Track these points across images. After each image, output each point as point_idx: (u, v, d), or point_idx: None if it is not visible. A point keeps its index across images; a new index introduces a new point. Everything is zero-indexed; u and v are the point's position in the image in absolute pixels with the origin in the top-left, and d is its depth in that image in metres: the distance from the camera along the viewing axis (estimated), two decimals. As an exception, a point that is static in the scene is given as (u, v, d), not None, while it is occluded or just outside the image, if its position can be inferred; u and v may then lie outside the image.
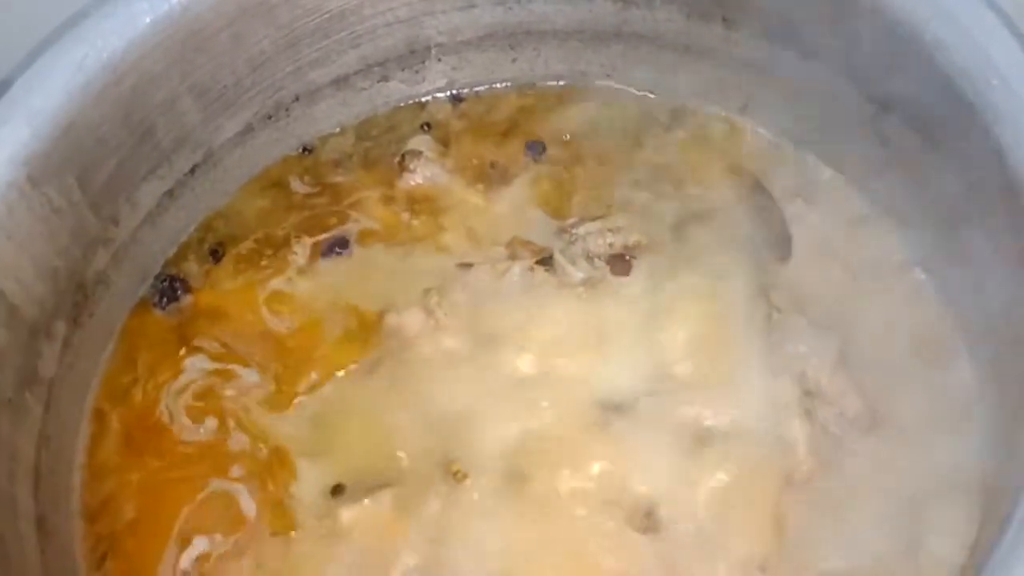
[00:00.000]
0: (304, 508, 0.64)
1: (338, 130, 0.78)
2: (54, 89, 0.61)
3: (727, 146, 0.76)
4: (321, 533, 0.63)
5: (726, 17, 0.71)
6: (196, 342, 0.70)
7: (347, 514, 0.63)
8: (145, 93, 0.65)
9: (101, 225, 0.67)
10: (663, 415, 0.64)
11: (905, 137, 0.66)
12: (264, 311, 0.71)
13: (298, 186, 0.76)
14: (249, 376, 0.68)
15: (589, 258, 0.69)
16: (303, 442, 0.66)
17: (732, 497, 0.61)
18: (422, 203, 0.74)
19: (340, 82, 0.76)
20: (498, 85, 0.79)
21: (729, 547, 0.61)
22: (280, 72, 0.72)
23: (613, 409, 0.64)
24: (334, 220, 0.74)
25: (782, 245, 0.70)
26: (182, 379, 0.69)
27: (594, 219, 0.71)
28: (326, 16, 0.71)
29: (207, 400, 0.68)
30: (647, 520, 0.61)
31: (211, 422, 0.67)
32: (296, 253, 0.72)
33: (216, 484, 0.65)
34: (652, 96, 0.78)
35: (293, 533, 0.63)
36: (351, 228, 0.73)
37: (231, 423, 0.67)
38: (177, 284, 0.72)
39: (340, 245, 0.73)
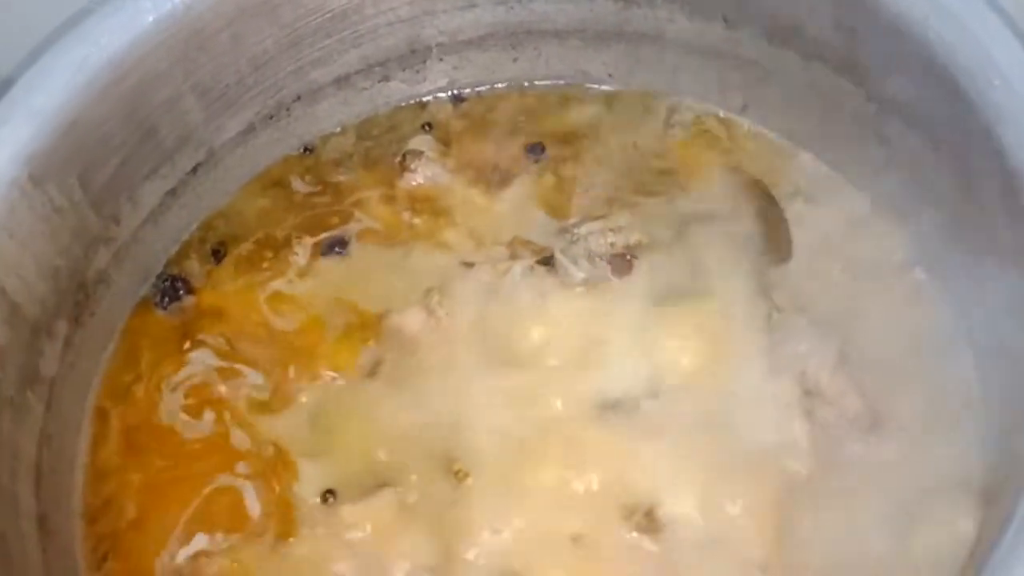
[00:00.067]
0: (306, 508, 0.63)
1: (339, 130, 0.78)
2: (56, 88, 0.61)
3: (728, 146, 0.76)
4: (322, 533, 0.63)
5: (727, 17, 0.71)
6: (197, 342, 0.70)
7: (348, 513, 0.63)
8: (147, 92, 0.65)
9: (103, 224, 0.67)
10: (664, 415, 0.64)
11: (906, 137, 0.66)
12: (265, 311, 0.71)
13: (299, 186, 0.76)
14: (250, 375, 0.68)
15: (590, 258, 0.69)
16: (304, 442, 0.66)
17: (732, 497, 0.61)
18: (423, 203, 0.74)
19: (341, 81, 0.76)
20: (499, 85, 0.79)
21: (729, 547, 0.61)
22: (282, 71, 0.72)
23: (614, 409, 0.64)
24: (335, 220, 0.74)
25: (783, 245, 0.70)
26: (183, 378, 0.69)
27: (595, 219, 0.71)
28: (328, 15, 0.71)
29: (208, 399, 0.68)
30: (647, 520, 0.61)
31: (212, 421, 0.67)
32: (297, 253, 0.72)
33: (221, 480, 0.65)
34: (653, 96, 0.78)
35: (295, 532, 0.63)
36: (352, 228, 0.73)
37: (232, 422, 0.67)
38: (179, 284, 0.72)
39: (340, 245, 0.73)
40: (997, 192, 0.59)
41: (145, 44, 0.64)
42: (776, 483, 0.62)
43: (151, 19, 0.64)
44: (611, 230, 0.70)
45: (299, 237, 0.73)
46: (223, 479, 0.65)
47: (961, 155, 0.62)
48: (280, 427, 0.66)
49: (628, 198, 0.73)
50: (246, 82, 0.71)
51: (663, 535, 0.61)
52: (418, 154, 0.75)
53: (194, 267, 0.73)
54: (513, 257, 0.70)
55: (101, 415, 0.68)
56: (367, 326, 0.69)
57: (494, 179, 0.75)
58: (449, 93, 0.79)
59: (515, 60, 0.78)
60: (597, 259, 0.69)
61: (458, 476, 0.63)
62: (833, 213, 0.71)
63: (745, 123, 0.76)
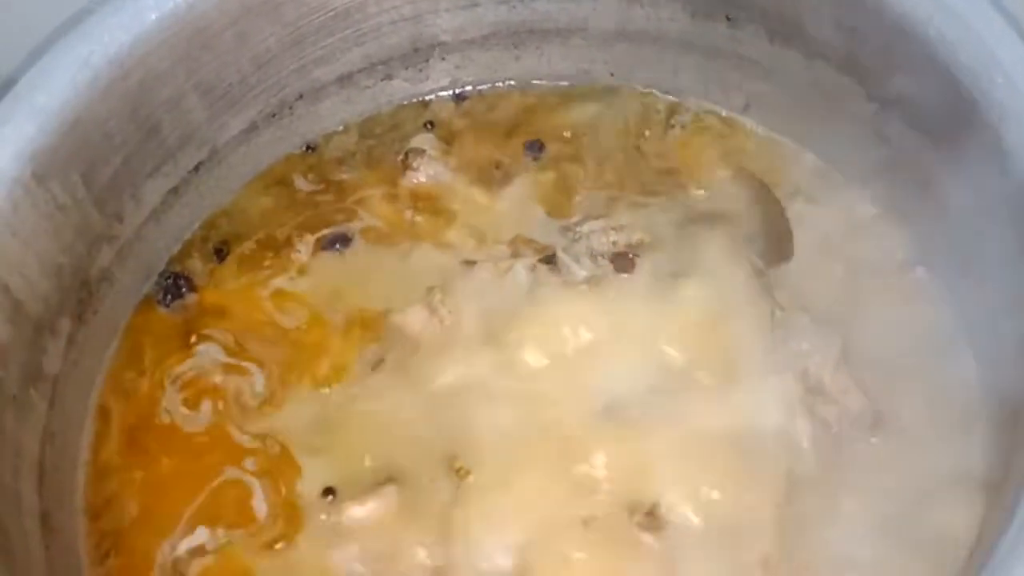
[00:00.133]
0: (308, 505, 0.63)
1: (342, 128, 0.78)
2: (59, 86, 0.61)
3: (729, 145, 0.76)
4: (324, 530, 0.63)
5: (729, 16, 0.71)
6: (200, 339, 0.70)
7: (351, 511, 0.63)
8: (151, 90, 0.65)
9: (105, 222, 0.67)
10: (665, 413, 0.63)
11: (908, 136, 0.66)
12: (267, 309, 0.71)
13: (302, 184, 0.76)
14: (253, 373, 0.68)
15: (592, 256, 0.69)
16: (306, 439, 0.66)
17: (734, 495, 0.61)
18: (425, 201, 0.74)
19: (344, 80, 0.76)
20: (501, 84, 0.79)
21: (731, 544, 0.60)
22: (285, 70, 0.72)
23: (616, 407, 0.64)
24: (337, 218, 0.74)
25: (784, 244, 0.70)
26: (186, 376, 0.69)
27: (597, 217, 0.72)
28: (331, 14, 0.71)
29: (210, 396, 0.68)
30: (649, 518, 0.61)
31: (214, 418, 0.67)
32: (299, 251, 0.73)
33: (224, 477, 0.65)
34: (655, 95, 0.78)
35: (297, 529, 0.63)
36: (354, 226, 0.74)
37: (233, 419, 0.67)
38: (181, 281, 0.72)
39: (342, 241, 0.73)
40: (999, 190, 0.59)
41: (148, 42, 0.64)
42: (778, 481, 0.62)
43: (154, 17, 0.64)
44: (613, 229, 0.70)
45: (301, 235, 0.73)
46: (226, 476, 0.65)
47: (963, 154, 0.62)
48: (282, 424, 0.66)
49: (630, 197, 0.73)
50: (249, 81, 0.71)
51: (665, 532, 0.61)
52: (420, 152, 0.75)
53: (197, 265, 0.73)
54: (515, 256, 0.71)
55: (104, 413, 0.68)
56: (369, 324, 0.69)
57: (496, 177, 0.75)
58: (451, 92, 0.79)
59: (517, 59, 0.78)
60: (599, 258, 0.69)
61: (460, 474, 0.63)
62: (834, 212, 0.71)
63: (746, 122, 0.76)
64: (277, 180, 0.76)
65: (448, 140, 0.77)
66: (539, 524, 0.61)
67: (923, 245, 0.69)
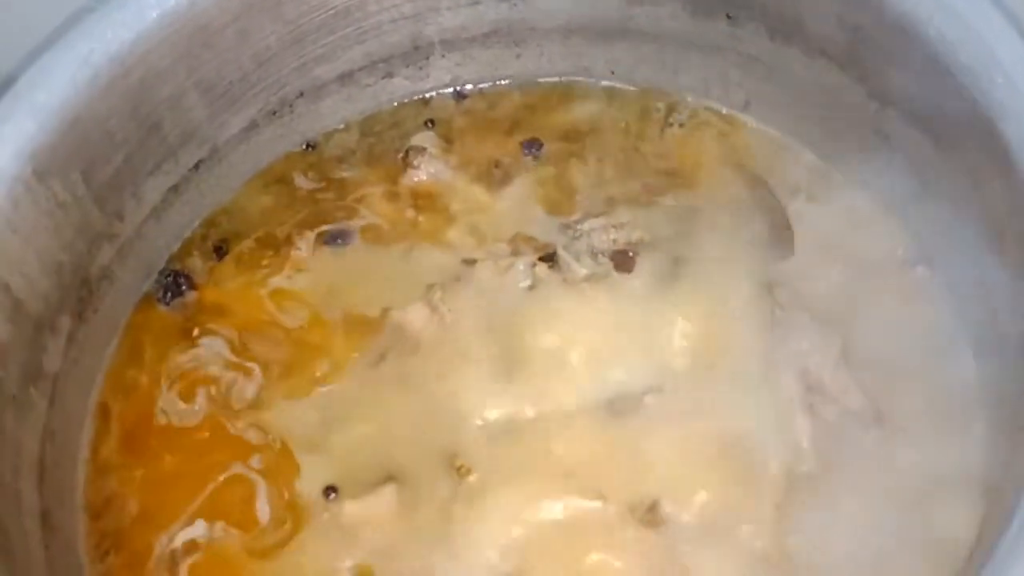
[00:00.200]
0: (309, 503, 0.63)
1: (342, 126, 0.78)
2: (60, 84, 0.61)
3: (730, 143, 0.76)
4: (324, 528, 0.63)
5: (730, 14, 0.71)
6: (199, 337, 0.70)
7: (350, 509, 0.63)
8: (152, 88, 0.65)
9: (106, 220, 0.67)
10: (666, 411, 0.64)
11: (908, 134, 0.66)
12: (267, 307, 0.71)
13: (302, 182, 0.76)
14: (253, 370, 0.68)
15: (593, 254, 0.69)
16: (306, 437, 0.66)
17: (735, 493, 0.61)
18: (426, 199, 0.74)
19: (345, 78, 0.76)
20: (501, 82, 0.79)
21: (732, 542, 0.61)
22: (285, 68, 0.72)
23: (616, 404, 0.64)
24: (337, 216, 0.74)
25: (784, 242, 0.70)
26: (186, 374, 0.69)
27: (597, 215, 0.72)
28: (332, 12, 0.71)
29: (210, 394, 0.68)
30: (650, 515, 0.61)
31: (214, 417, 0.67)
32: (300, 248, 0.73)
33: (224, 475, 0.65)
34: (655, 93, 0.78)
35: (297, 527, 0.63)
36: (354, 224, 0.74)
37: (233, 417, 0.67)
38: (181, 279, 0.72)
39: (342, 237, 0.73)
40: (999, 189, 0.59)
41: (149, 40, 0.64)
42: (778, 478, 0.62)
43: (155, 15, 0.64)
44: (613, 227, 0.71)
45: (301, 232, 0.73)
46: (226, 474, 0.65)
47: (963, 153, 0.62)
48: (282, 422, 0.66)
49: (630, 195, 0.73)
50: (249, 79, 0.71)
51: (667, 529, 0.61)
52: (421, 151, 0.75)
53: (196, 263, 0.73)
54: (515, 254, 0.71)
55: (104, 411, 0.68)
56: (369, 322, 0.69)
57: (496, 176, 0.75)
58: (452, 90, 0.79)
59: (518, 57, 0.78)
60: (599, 256, 0.70)
61: (460, 473, 0.63)
62: (835, 210, 0.71)
63: (747, 120, 0.76)
64: (277, 178, 0.76)
65: (449, 138, 0.77)
66: (539, 522, 0.61)
67: (923, 244, 0.69)
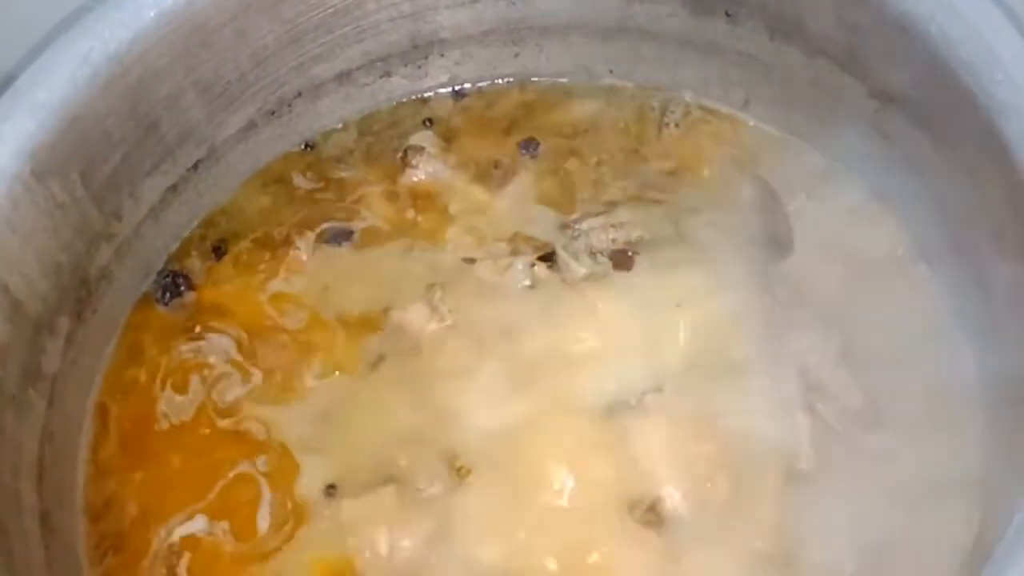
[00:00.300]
0: (310, 502, 0.63)
1: (340, 126, 0.78)
2: (58, 83, 0.61)
3: (729, 141, 0.76)
4: (324, 527, 0.63)
5: (729, 12, 0.71)
6: (198, 338, 0.70)
7: (350, 510, 0.63)
8: (150, 87, 0.65)
9: (104, 220, 0.67)
10: (666, 410, 0.64)
11: (908, 132, 0.66)
12: (266, 307, 0.71)
13: (300, 182, 0.76)
14: (252, 370, 0.68)
15: (592, 254, 0.70)
16: (306, 437, 0.66)
17: (735, 491, 0.62)
18: (424, 199, 0.74)
19: (343, 77, 0.76)
20: (500, 81, 0.79)
21: (732, 541, 0.61)
22: (284, 67, 0.72)
23: (616, 404, 0.64)
24: (336, 216, 0.74)
25: (784, 240, 0.70)
26: (185, 374, 0.68)
27: (596, 215, 0.71)
28: (330, 11, 0.71)
29: (210, 394, 0.68)
30: (651, 514, 0.61)
31: (213, 417, 0.67)
32: (299, 248, 0.72)
33: (227, 471, 0.65)
34: (654, 91, 0.78)
35: (297, 526, 0.63)
36: (353, 224, 0.73)
37: (233, 417, 0.67)
38: (180, 279, 0.72)
39: (343, 237, 0.73)
40: (999, 188, 0.59)
41: (147, 39, 0.64)
42: (778, 476, 0.62)
43: (153, 14, 0.64)
44: (612, 226, 0.71)
45: (301, 232, 0.73)
46: (226, 473, 0.65)
47: (964, 151, 0.62)
48: (282, 422, 0.66)
49: (629, 193, 0.73)
50: (247, 78, 0.71)
51: (666, 528, 0.61)
52: (419, 150, 0.75)
53: (195, 264, 0.73)
54: (514, 253, 0.71)
55: (103, 411, 0.68)
56: (369, 322, 0.69)
57: (495, 175, 0.75)
58: (451, 89, 0.79)
59: (516, 55, 0.78)
60: (598, 255, 0.70)
61: (460, 472, 0.63)
62: (834, 209, 0.71)
63: (746, 118, 0.76)
64: (276, 178, 0.76)
65: (447, 137, 0.77)
66: (541, 519, 0.61)
67: (923, 242, 0.69)
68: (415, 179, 0.75)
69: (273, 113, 0.74)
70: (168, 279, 0.72)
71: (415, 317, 0.68)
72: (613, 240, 0.70)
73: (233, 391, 0.68)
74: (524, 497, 0.62)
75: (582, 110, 0.78)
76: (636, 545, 0.61)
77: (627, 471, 0.62)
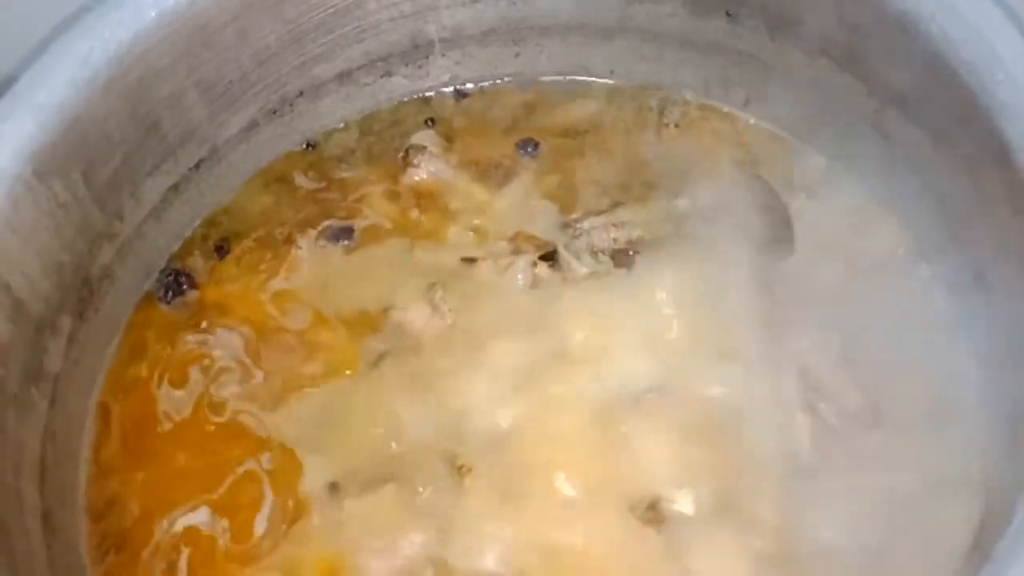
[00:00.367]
0: (310, 501, 0.64)
1: (342, 125, 0.78)
2: (59, 83, 0.61)
3: (730, 141, 0.76)
4: (324, 526, 0.63)
5: (729, 11, 0.71)
6: (200, 336, 0.70)
7: (351, 507, 0.63)
8: (151, 87, 0.65)
9: (106, 220, 0.67)
10: (666, 409, 0.64)
11: (909, 132, 0.66)
12: (268, 306, 0.71)
13: (302, 181, 0.76)
14: (253, 370, 0.68)
15: (593, 253, 0.70)
16: (307, 436, 0.66)
17: (735, 490, 0.62)
18: (426, 198, 0.74)
19: (344, 77, 0.76)
20: (501, 80, 0.79)
21: (732, 540, 0.61)
22: (285, 67, 0.72)
23: (616, 403, 0.64)
24: (338, 215, 0.74)
25: (784, 240, 0.70)
26: (186, 373, 0.69)
27: (598, 214, 0.72)
28: (331, 11, 0.71)
29: (212, 393, 0.68)
30: (651, 513, 0.61)
31: (215, 416, 0.67)
32: (300, 247, 0.73)
33: (228, 471, 0.65)
34: (654, 91, 0.77)
35: (297, 524, 0.63)
36: (355, 223, 0.73)
37: (235, 416, 0.67)
38: (182, 279, 0.72)
39: (344, 237, 0.73)
40: (1000, 187, 0.59)
41: (148, 39, 0.64)
42: (778, 477, 0.62)
43: (153, 14, 0.64)
44: (613, 225, 0.71)
45: (302, 231, 0.73)
46: (227, 472, 0.65)
47: (964, 151, 0.62)
48: (283, 421, 0.66)
49: (630, 193, 0.73)
50: (249, 78, 0.71)
51: (667, 527, 0.61)
52: (421, 149, 0.75)
53: (197, 263, 0.73)
54: (516, 252, 0.71)
55: (105, 411, 0.68)
56: (370, 321, 0.69)
57: (497, 174, 0.75)
58: (452, 88, 0.79)
59: (517, 55, 0.78)
60: (599, 254, 0.70)
61: (461, 472, 0.63)
62: (835, 208, 0.71)
63: (747, 118, 0.76)
64: (277, 177, 0.76)
65: (449, 137, 0.77)
66: (542, 519, 0.62)
67: (924, 242, 0.68)
68: (416, 178, 0.75)
69: (275, 113, 0.74)
70: (171, 278, 0.72)
71: (416, 316, 0.68)
72: (614, 239, 0.70)
73: (232, 388, 0.68)
74: (524, 496, 0.62)
75: (583, 110, 0.78)
76: (637, 544, 0.61)
77: (627, 470, 0.62)
